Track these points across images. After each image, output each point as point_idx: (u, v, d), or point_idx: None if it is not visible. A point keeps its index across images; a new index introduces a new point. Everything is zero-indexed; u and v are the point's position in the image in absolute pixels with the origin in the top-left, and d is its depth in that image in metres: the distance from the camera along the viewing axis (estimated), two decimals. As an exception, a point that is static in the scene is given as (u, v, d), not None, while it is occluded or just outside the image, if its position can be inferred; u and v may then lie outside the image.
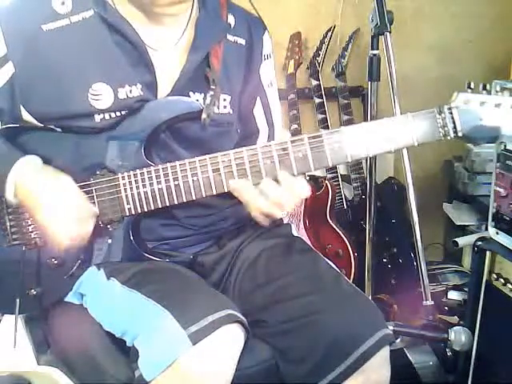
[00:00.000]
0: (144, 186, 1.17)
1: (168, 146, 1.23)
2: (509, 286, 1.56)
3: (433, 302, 1.83)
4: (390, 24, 1.71)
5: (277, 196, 1.12)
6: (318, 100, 2.48)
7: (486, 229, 1.64)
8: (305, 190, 1.13)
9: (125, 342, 1.13)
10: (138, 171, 1.18)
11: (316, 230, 2.36)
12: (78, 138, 1.20)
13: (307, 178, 2.38)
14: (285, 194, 1.12)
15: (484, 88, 1.12)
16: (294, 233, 1.41)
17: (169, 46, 1.23)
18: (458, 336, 1.51)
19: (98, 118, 1.18)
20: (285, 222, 1.46)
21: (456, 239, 2.07)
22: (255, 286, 1.27)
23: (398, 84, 1.76)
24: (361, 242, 2.16)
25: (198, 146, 1.23)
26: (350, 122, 2.41)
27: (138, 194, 1.18)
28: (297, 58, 2.45)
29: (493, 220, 1.58)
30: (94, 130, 1.19)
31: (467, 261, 2.50)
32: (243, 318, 1.11)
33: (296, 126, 2.44)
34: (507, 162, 1.52)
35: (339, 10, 2.53)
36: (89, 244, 1.20)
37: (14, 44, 1.16)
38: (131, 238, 1.22)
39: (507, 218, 1.53)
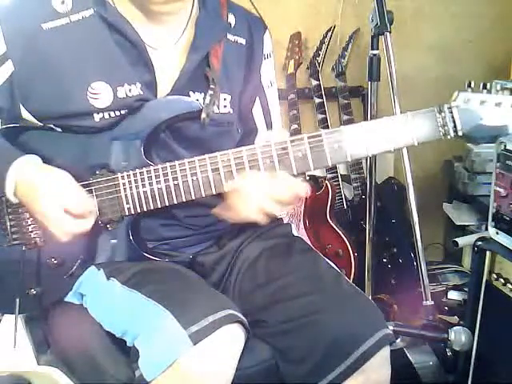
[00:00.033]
0: (143, 185, 1.17)
1: (168, 146, 1.23)
2: (509, 285, 1.56)
3: (433, 302, 1.82)
4: (390, 24, 1.70)
5: (278, 194, 1.12)
6: (317, 100, 2.48)
7: (486, 229, 1.64)
8: (304, 189, 1.13)
9: (125, 342, 1.13)
10: (137, 171, 1.18)
11: (316, 230, 2.36)
12: (79, 138, 1.20)
13: (307, 177, 2.39)
14: (285, 193, 1.12)
15: (484, 87, 1.12)
16: (294, 233, 1.41)
17: (169, 45, 1.23)
18: (458, 336, 1.51)
19: (97, 117, 1.19)
20: (285, 222, 1.46)
21: (456, 239, 2.07)
22: (255, 285, 1.27)
23: (398, 84, 1.76)
24: (361, 242, 2.15)
25: (198, 146, 1.23)
26: (350, 122, 2.41)
27: (138, 193, 1.18)
28: (297, 57, 2.45)
29: (493, 220, 1.58)
30: (93, 129, 1.19)
31: (467, 261, 2.50)
32: (243, 318, 1.11)
33: (296, 125, 2.44)
34: (507, 162, 1.52)
35: (339, 9, 2.53)
36: (90, 243, 1.20)
37: (14, 42, 1.17)
38: (131, 237, 1.22)
39: (507, 218, 1.53)
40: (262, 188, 1.13)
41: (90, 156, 1.20)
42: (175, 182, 1.16)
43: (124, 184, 1.18)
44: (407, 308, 2.10)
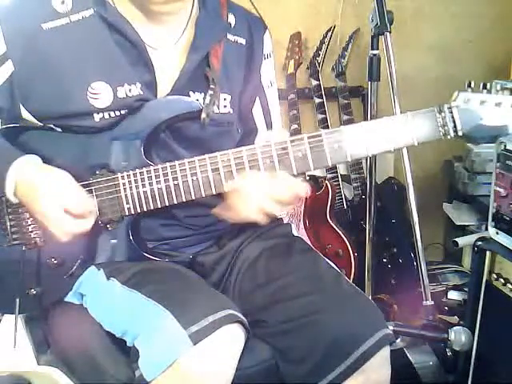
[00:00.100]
0: (143, 185, 1.17)
1: (168, 146, 1.23)
2: (509, 285, 1.56)
3: (433, 302, 1.82)
4: (390, 24, 1.70)
5: (278, 194, 1.12)
6: (317, 100, 2.48)
7: (486, 229, 1.64)
8: (304, 189, 1.13)
9: (125, 342, 1.13)
10: (137, 171, 1.18)
11: (316, 230, 2.36)
12: (79, 138, 1.20)
13: (307, 177, 2.39)
14: (285, 192, 1.12)
15: (484, 87, 1.12)
16: (294, 233, 1.41)
17: (169, 45, 1.23)
18: (458, 336, 1.51)
19: (97, 117, 1.19)
20: (285, 222, 1.46)
21: (456, 239, 2.07)
22: (255, 285, 1.26)
23: (398, 84, 1.76)
24: (361, 242, 2.15)
25: (198, 146, 1.23)
26: (350, 122, 2.41)
27: (138, 193, 1.18)
28: (297, 57, 2.45)
29: (493, 220, 1.58)
30: (93, 129, 1.19)
31: (467, 261, 2.49)
32: (243, 318, 1.11)
33: (296, 125, 2.44)
34: (507, 162, 1.52)
35: (339, 9, 2.53)
36: (90, 243, 1.20)
37: (14, 42, 1.17)
38: (131, 237, 1.22)
39: (507, 218, 1.53)
40: (262, 188, 1.13)
41: (90, 156, 1.20)
42: (175, 182, 1.16)
43: (124, 184, 1.18)
44: (407, 308, 2.10)
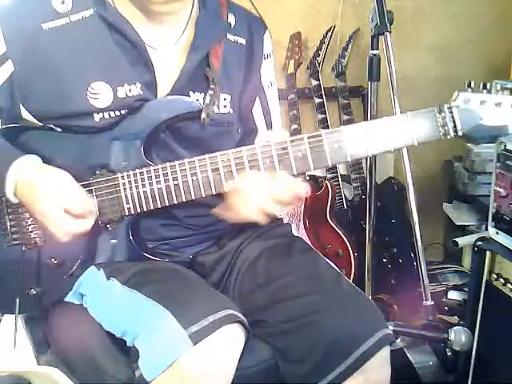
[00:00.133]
0: (143, 185, 1.17)
1: (168, 146, 1.23)
2: (509, 285, 1.56)
3: (433, 302, 1.82)
4: (390, 24, 1.70)
5: (277, 194, 1.12)
6: (317, 100, 2.48)
7: (486, 229, 1.64)
8: (304, 189, 1.13)
9: (125, 342, 1.13)
10: (137, 171, 1.18)
11: (316, 230, 2.36)
12: (79, 138, 1.20)
13: (307, 177, 2.39)
14: (285, 192, 1.12)
15: (484, 87, 1.11)
16: (294, 233, 1.41)
17: (169, 45, 1.23)
18: (458, 336, 1.51)
19: (97, 117, 1.19)
20: (285, 222, 1.46)
21: (456, 239, 2.07)
22: (255, 285, 1.26)
23: (398, 84, 1.76)
24: (361, 242, 2.15)
25: (198, 146, 1.23)
26: (350, 122, 2.41)
27: (138, 193, 1.18)
28: (297, 57, 2.45)
29: (493, 220, 1.58)
30: (93, 129, 1.19)
31: (467, 261, 2.49)
32: (243, 318, 1.11)
33: (296, 125, 2.44)
34: (507, 162, 1.52)
35: (339, 9, 2.53)
36: (90, 243, 1.20)
37: (14, 42, 1.17)
38: (131, 237, 1.22)
39: (507, 218, 1.53)
40: (261, 188, 1.13)
41: (90, 156, 1.20)
42: (175, 182, 1.16)
43: (124, 184, 1.18)
44: (407, 308, 2.10)
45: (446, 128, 1.11)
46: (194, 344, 1.03)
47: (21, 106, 1.20)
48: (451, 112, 1.11)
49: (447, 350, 1.71)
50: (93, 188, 1.19)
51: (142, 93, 1.19)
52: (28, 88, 1.18)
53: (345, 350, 1.12)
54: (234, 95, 1.27)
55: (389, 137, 1.13)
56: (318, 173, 2.48)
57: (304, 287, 1.21)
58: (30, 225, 1.22)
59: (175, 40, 1.23)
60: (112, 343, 1.17)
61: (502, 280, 1.57)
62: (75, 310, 1.23)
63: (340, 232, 2.36)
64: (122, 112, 1.19)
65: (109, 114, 1.19)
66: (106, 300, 1.19)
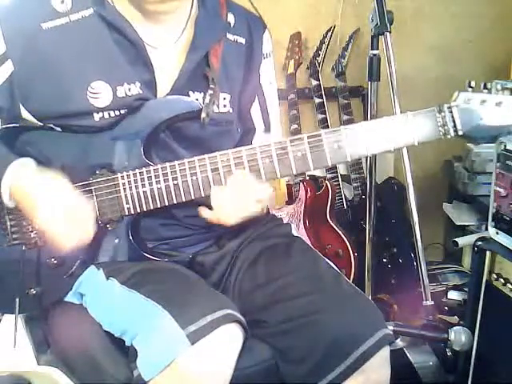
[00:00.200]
0: (143, 185, 1.17)
1: (168, 146, 1.23)
2: (509, 285, 1.55)
3: (433, 302, 1.83)
4: (390, 24, 1.70)
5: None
6: (317, 100, 2.47)
7: (486, 229, 1.64)
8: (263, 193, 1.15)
9: (124, 342, 1.13)
10: (137, 171, 1.18)
11: (316, 230, 2.36)
12: (79, 138, 1.20)
13: (307, 177, 2.39)
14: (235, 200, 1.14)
15: (485, 87, 1.11)
16: (294, 233, 1.41)
17: (168, 44, 1.23)
18: (458, 336, 1.51)
19: (97, 116, 1.18)
20: (285, 221, 1.46)
21: (456, 239, 2.07)
22: (255, 285, 1.26)
23: (398, 84, 1.76)
24: (361, 242, 2.15)
25: (198, 146, 1.23)
26: (350, 122, 2.40)
27: (138, 193, 1.18)
28: (297, 57, 2.45)
29: (493, 220, 1.58)
30: (93, 128, 1.19)
31: (467, 261, 2.49)
32: (242, 318, 1.11)
33: (296, 125, 2.44)
34: (507, 161, 1.51)
35: (339, 9, 2.53)
36: (90, 244, 1.20)
37: (14, 42, 1.17)
38: (130, 237, 1.21)
39: (507, 218, 1.53)
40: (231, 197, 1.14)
41: (90, 156, 1.20)
42: (175, 182, 1.16)
43: (124, 184, 1.18)
44: (407, 308, 2.10)
45: (446, 128, 1.11)
46: (192, 344, 1.03)
47: (21, 105, 1.20)
48: (451, 112, 1.11)
49: (447, 349, 1.71)
50: (93, 188, 1.19)
51: (141, 92, 1.19)
52: (28, 88, 1.18)
53: (345, 350, 1.12)
54: (233, 95, 1.27)
55: (389, 137, 1.13)
56: (318, 173, 2.48)
57: (304, 287, 1.21)
58: (29, 225, 1.22)
59: (175, 39, 1.23)
60: (111, 343, 1.17)
61: (502, 280, 1.57)
62: (75, 310, 1.23)
63: (340, 232, 2.36)
64: (122, 111, 1.19)
65: (108, 114, 1.19)
66: (105, 300, 1.19)
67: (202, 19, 1.24)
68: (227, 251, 1.34)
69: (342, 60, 2.48)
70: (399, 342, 1.90)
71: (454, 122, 1.11)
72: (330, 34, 2.48)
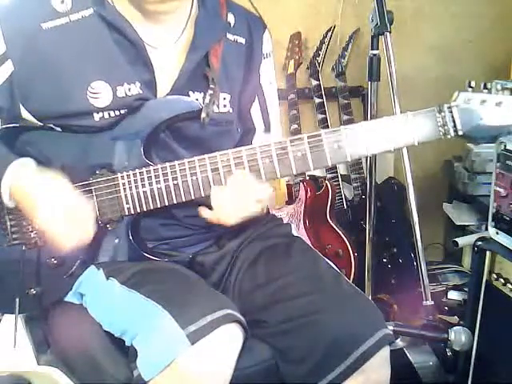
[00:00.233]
0: (143, 185, 1.17)
1: (168, 146, 1.23)
2: (509, 285, 1.55)
3: (433, 302, 1.83)
4: (390, 24, 1.70)
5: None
6: (317, 100, 2.48)
7: (486, 229, 1.64)
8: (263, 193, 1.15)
9: (124, 342, 1.13)
10: (137, 171, 1.18)
11: (316, 230, 2.36)
12: (79, 138, 1.20)
13: (307, 177, 2.39)
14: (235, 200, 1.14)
15: (485, 87, 1.11)
16: (294, 233, 1.41)
17: (168, 44, 1.23)
18: (458, 336, 1.51)
19: (97, 116, 1.18)
20: (285, 221, 1.46)
21: (456, 239, 2.07)
22: (255, 285, 1.26)
23: (398, 84, 1.76)
24: (361, 242, 2.15)
25: (198, 146, 1.23)
26: (350, 122, 2.40)
27: (138, 193, 1.18)
28: (297, 57, 2.45)
29: (493, 220, 1.58)
30: (93, 128, 1.19)
31: (467, 261, 2.49)
32: (242, 318, 1.11)
33: (296, 125, 2.44)
34: (507, 162, 1.51)
35: (339, 9, 2.53)
36: (90, 244, 1.20)
37: (14, 42, 1.17)
38: (130, 237, 1.21)
39: (507, 218, 1.53)
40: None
41: (90, 156, 1.20)
42: (175, 182, 1.16)
43: (124, 184, 1.18)
44: (407, 308, 2.10)
45: (446, 128, 1.11)
46: (192, 344, 1.03)
47: (20, 105, 1.20)
48: (451, 112, 1.11)
49: (447, 349, 1.71)
50: (92, 188, 1.19)
51: (141, 92, 1.19)
52: (28, 88, 1.18)
53: (344, 350, 1.12)
54: (233, 95, 1.27)
55: (389, 137, 1.13)
56: (318, 173, 2.48)
57: (304, 287, 1.21)
58: (29, 225, 1.22)
59: (175, 39, 1.23)
60: (111, 343, 1.17)
61: (502, 280, 1.57)
62: (75, 310, 1.23)
63: (340, 232, 2.36)
64: (122, 111, 1.19)
65: (108, 114, 1.19)
66: (105, 300, 1.19)
67: (202, 19, 1.24)
68: (227, 251, 1.34)
69: (342, 60, 2.48)
70: (399, 342, 1.90)
71: (454, 122, 1.11)
72: (330, 34, 2.48)
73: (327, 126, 2.45)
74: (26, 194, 1.13)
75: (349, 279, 1.97)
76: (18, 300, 1.20)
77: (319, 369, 1.13)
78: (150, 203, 1.18)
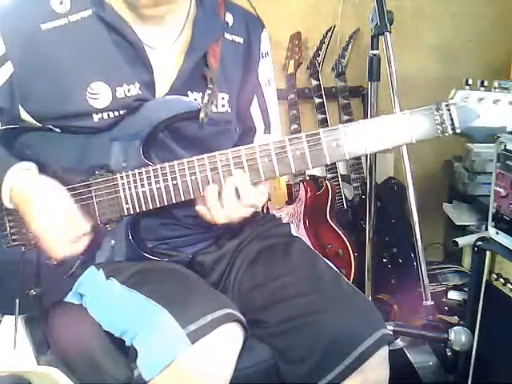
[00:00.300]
0: (142, 185, 1.17)
1: (167, 146, 1.23)
2: (509, 285, 1.55)
3: (433, 302, 1.83)
4: (390, 24, 1.71)
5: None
6: (317, 100, 2.48)
7: (486, 229, 1.64)
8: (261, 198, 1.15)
9: (124, 342, 1.13)
10: (136, 171, 1.18)
11: (316, 230, 2.36)
12: (78, 138, 1.20)
13: (307, 177, 2.39)
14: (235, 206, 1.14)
15: (482, 85, 1.11)
16: (294, 232, 1.41)
17: (166, 44, 1.23)
18: (458, 336, 1.51)
19: (96, 117, 1.19)
20: (284, 221, 1.46)
21: (456, 239, 2.07)
22: (254, 285, 1.26)
23: (398, 84, 1.76)
24: (361, 242, 2.15)
25: (197, 146, 1.23)
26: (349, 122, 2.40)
27: (137, 193, 1.18)
28: (297, 57, 2.46)
29: (493, 220, 1.58)
30: (92, 129, 1.19)
31: (467, 261, 2.49)
32: (242, 318, 1.11)
33: (296, 125, 2.44)
34: (507, 162, 1.51)
35: (339, 9, 2.53)
36: (90, 244, 1.20)
37: (13, 43, 1.17)
38: (130, 237, 1.22)
39: (507, 218, 1.53)
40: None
41: (90, 156, 1.20)
42: (174, 182, 1.16)
43: (123, 184, 1.18)
44: (407, 308, 2.10)
45: (443, 126, 1.11)
46: (192, 343, 1.02)
47: (20, 106, 1.20)
48: (449, 110, 1.11)
49: (447, 349, 1.71)
50: (92, 188, 1.19)
51: (140, 93, 1.19)
52: (27, 88, 1.18)
53: (343, 349, 1.12)
54: (232, 94, 1.27)
55: (387, 135, 1.13)
56: (318, 173, 2.48)
57: (303, 287, 1.21)
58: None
59: (173, 40, 1.23)
60: (111, 343, 1.17)
61: (502, 280, 1.57)
62: (75, 310, 1.23)
63: (340, 232, 2.36)
64: (121, 112, 1.19)
65: (108, 115, 1.19)
66: (105, 300, 1.19)
67: (200, 19, 1.24)
68: (227, 251, 1.34)
69: (342, 60, 2.49)
70: (399, 342, 1.90)
71: (451, 119, 1.11)
72: (330, 34, 2.48)
73: (327, 126, 2.43)
74: (25, 197, 1.13)
75: (349, 279, 1.98)
76: (18, 301, 1.20)
77: (319, 369, 1.13)
78: (149, 203, 1.18)
